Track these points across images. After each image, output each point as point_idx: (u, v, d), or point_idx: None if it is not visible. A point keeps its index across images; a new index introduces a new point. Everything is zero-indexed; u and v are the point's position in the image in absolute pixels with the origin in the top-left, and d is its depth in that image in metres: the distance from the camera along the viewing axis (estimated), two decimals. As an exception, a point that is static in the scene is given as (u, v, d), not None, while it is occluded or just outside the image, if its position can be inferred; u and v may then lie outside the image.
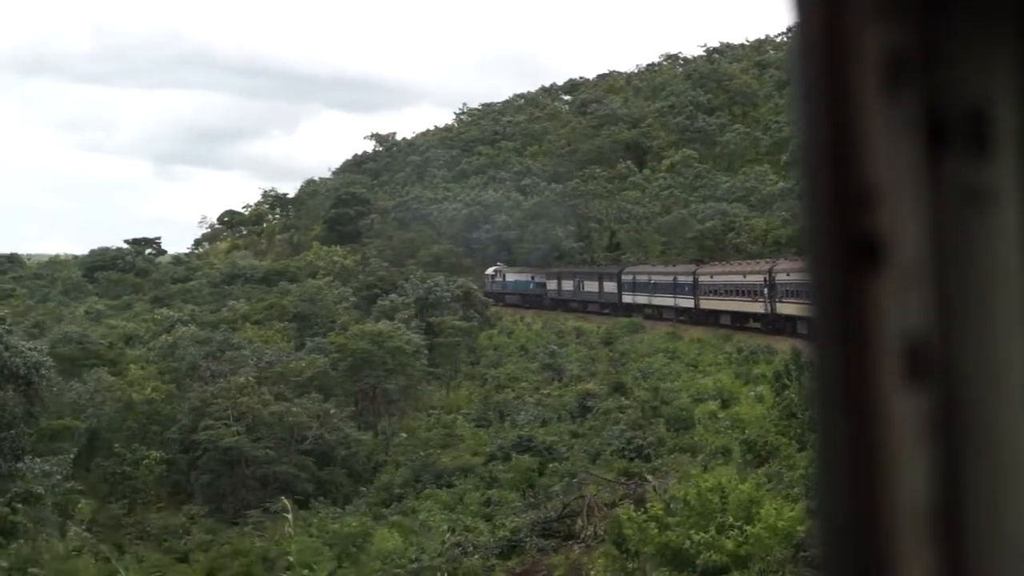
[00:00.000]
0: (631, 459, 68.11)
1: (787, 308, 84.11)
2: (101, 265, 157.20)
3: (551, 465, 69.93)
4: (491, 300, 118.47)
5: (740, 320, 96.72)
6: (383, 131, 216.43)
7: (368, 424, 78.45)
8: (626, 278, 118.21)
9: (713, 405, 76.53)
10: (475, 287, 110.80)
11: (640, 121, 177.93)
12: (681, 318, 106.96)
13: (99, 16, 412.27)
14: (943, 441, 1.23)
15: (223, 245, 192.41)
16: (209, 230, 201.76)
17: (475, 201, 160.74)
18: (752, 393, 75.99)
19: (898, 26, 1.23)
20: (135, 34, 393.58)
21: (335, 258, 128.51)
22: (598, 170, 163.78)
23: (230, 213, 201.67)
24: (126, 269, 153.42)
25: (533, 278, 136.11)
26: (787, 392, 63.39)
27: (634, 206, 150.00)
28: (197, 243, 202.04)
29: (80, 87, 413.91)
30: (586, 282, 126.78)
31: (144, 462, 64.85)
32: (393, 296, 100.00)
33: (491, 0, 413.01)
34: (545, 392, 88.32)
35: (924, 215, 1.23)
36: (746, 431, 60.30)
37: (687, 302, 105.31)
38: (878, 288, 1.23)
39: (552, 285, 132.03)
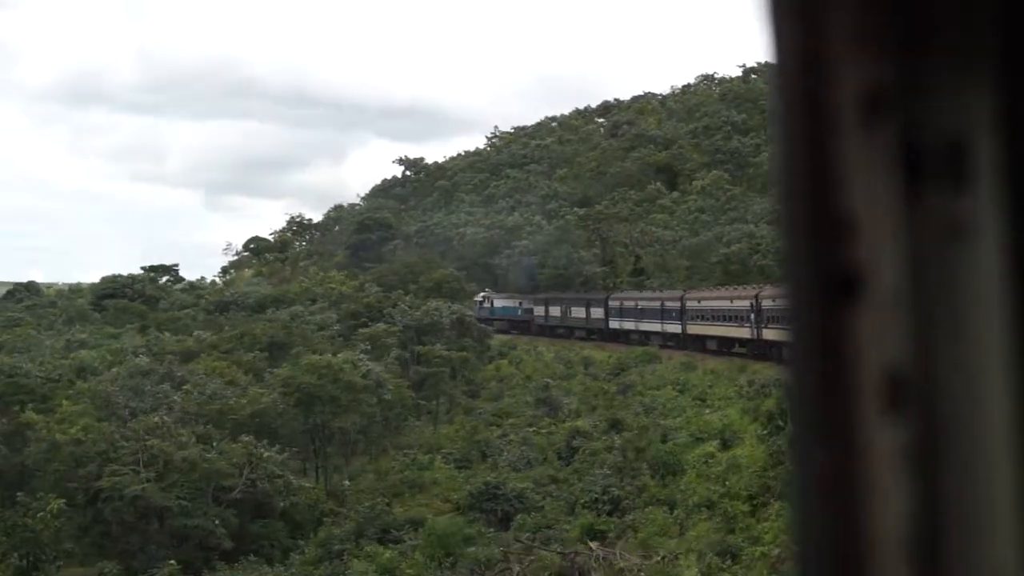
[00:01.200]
0: (604, 513, 57.77)
1: (773, 334, 79.43)
2: (111, 293, 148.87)
3: (518, 517, 59.62)
4: (490, 327, 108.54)
5: (727, 345, 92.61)
6: (425, 158, 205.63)
7: (326, 468, 68.34)
8: (613, 304, 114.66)
9: (711, 446, 66.06)
10: (470, 314, 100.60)
11: (672, 143, 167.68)
12: (668, 343, 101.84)
13: (148, 47, 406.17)
14: (923, 472, 1.21)
15: (248, 273, 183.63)
16: (236, 257, 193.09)
17: (495, 225, 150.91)
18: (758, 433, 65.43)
19: (876, 59, 1.21)
20: (184, 65, 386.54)
21: (332, 284, 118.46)
22: (629, 192, 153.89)
23: (256, 240, 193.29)
24: (133, 297, 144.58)
25: (520, 304, 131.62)
26: (777, 436, 53.49)
27: (662, 230, 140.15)
28: (224, 271, 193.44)
29: (131, 117, 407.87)
30: (573, 308, 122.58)
31: (39, 515, 54.83)
32: (381, 324, 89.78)
33: (539, 28, 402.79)
34: (533, 430, 77.79)
35: (903, 247, 1.21)
36: (727, 482, 49.99)
37: (674, 327, 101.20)
38: (857, 320, 1.21)
39: (539, 311, 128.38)
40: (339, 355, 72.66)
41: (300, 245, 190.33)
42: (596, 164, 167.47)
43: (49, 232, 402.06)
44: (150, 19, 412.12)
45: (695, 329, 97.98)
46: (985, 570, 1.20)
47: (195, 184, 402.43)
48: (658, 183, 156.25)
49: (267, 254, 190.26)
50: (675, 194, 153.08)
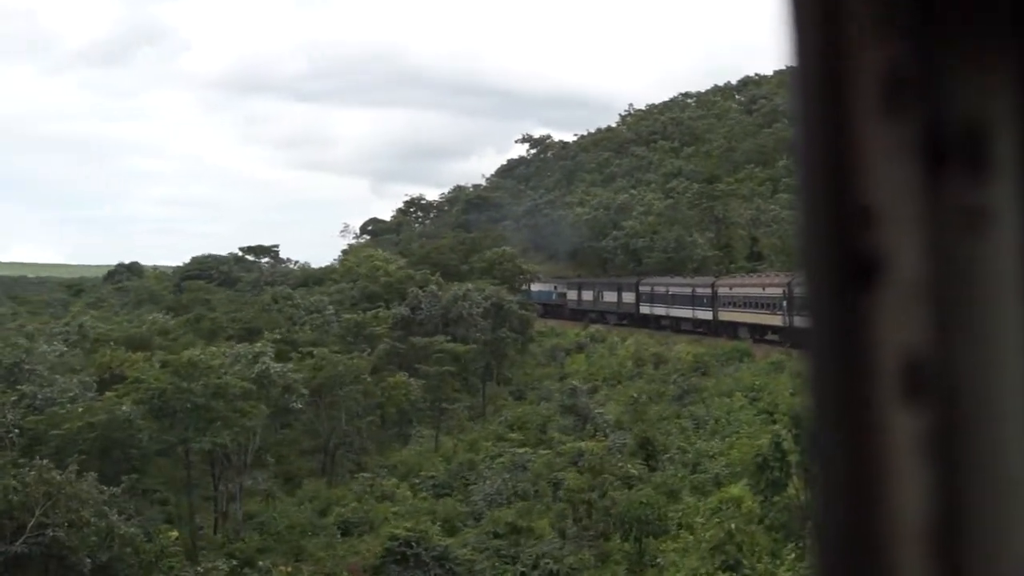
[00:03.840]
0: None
1: None
2: (196, 275, 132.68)
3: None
4: (533, 314, 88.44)
5: (759, 333, 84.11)
6: (551, 137, 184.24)
7: (190, 503, 47.92)
8: (644, 289, 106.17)
9: (739, 488, 44.23)
10: (510, 298, 79.47)
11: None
12: (699, 330, 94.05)
13: (315, 36, 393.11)
14: (942, 459, 1.17)
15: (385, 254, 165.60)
16: (354, 239, 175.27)
17: (601, 205, 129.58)
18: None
19: (896, 45, 1.16)
20: (351, 53, 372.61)
21: (377, 262, 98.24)
22: (756, 170, 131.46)
23: (373, 221, 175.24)
24: (212, 279, 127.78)
25: (555, 288, 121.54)
26: (771, 492, 32.46)
27: (787, 210, 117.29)
28: (344, 253, 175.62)
29: (299, 106, 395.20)
30: (605, 292, 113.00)
31: None
32: (385, 310, 69.25)
33: (704, 9, 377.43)
34: (526, 450, 56.48)
35: (923, 234, 1.17)
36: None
37: (705, 314, 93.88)
38: (876, 306, 1.17)
39: (572, 295, 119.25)
40: (236, 348, 52.41)
41: (417, 226, 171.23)
42: (726, 140, 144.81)
43: (221, 218, 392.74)
44: (317, 7, 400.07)
45: (727, 316, 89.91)
46: (1006, 556, 1.16)
47: (361, 172, 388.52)
48: (789, 159, 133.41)
49: (386, 235, 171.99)
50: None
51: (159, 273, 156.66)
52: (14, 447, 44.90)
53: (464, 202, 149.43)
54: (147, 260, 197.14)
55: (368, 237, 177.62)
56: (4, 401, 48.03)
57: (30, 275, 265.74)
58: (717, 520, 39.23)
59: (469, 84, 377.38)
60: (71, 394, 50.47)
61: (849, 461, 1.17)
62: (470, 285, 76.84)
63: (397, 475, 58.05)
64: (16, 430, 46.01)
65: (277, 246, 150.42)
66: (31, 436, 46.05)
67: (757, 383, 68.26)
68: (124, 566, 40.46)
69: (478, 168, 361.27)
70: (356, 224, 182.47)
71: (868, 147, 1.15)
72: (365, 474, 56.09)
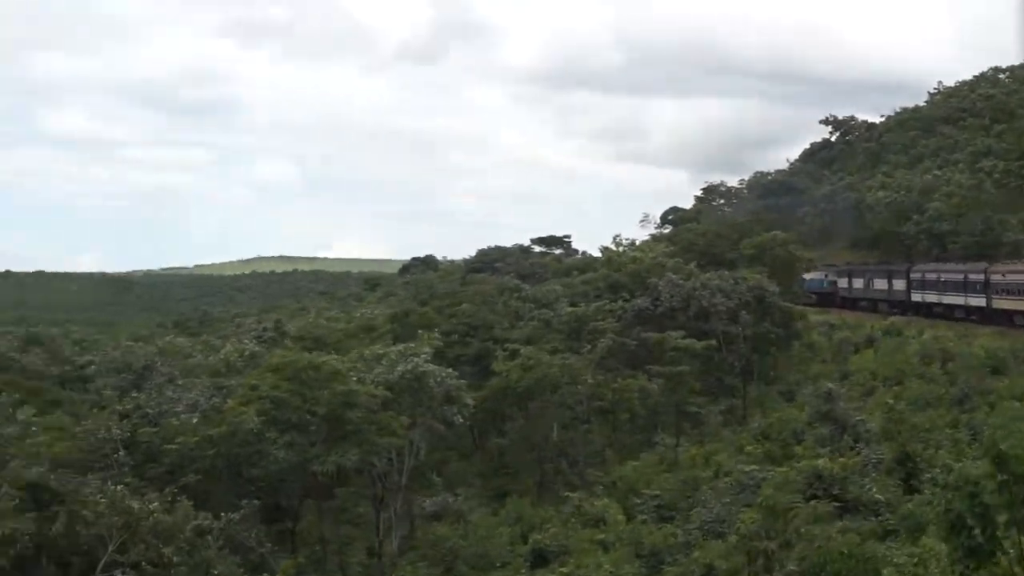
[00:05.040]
0: None
1: None
2: (480, 267, 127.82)
3: None
4: (799, 307, 78.14)
5: None
6: (856, 117, 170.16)
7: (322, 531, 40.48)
8: (915, 275, 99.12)
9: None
10: (772, 289, 69.38)
11: None
12: (971, 317, 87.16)
13: (627, 27, 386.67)
14: None
15: (662, 244, 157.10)
16: (656, 229, 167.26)
17: (903, 187, 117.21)
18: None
19: None
20: (663, 44, 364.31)
21: (639, 252, 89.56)
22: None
23: (673, 210, 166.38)
24: (495, 271, 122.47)
25: (826, 276, 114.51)
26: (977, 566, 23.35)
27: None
28: (645, 243, 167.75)
29: (613, 98, 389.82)
30: (875, 280, 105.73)
31: None
32: (625, 302, 60.62)
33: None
34: (756, 468, 46.85)
35: None
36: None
37: (978, 300, 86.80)
38: None
39: (843, 283, 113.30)
40: (372, 348, 44.72)
41: (718, 214, 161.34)
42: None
43: (535, 211, 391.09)
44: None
45: (1001, 304, 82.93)
46: None
47: (678, 163, 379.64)
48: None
49: (685, 224, 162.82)
50: None
51: (450, 266, 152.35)
52: (120, 466, 38.71)
53: (762, 187, 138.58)
54: (460, 254, 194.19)
55: (670, 227, 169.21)
56: (112, 409, 41.93)
57: (354, 271, 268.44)
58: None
59: (785, 72, 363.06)
60: (185, 403, 44.08)
61: None
62: (723, 273, 67.52)
63: (618, 493, 49.50)
64: (123, 448, 39.78)
65: (569, 236, 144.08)
66: (145, 452, 39.88)
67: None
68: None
69: (794, 156, 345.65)
70: (657, 214, 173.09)
71: None
72: (572, 494, 47.88)
